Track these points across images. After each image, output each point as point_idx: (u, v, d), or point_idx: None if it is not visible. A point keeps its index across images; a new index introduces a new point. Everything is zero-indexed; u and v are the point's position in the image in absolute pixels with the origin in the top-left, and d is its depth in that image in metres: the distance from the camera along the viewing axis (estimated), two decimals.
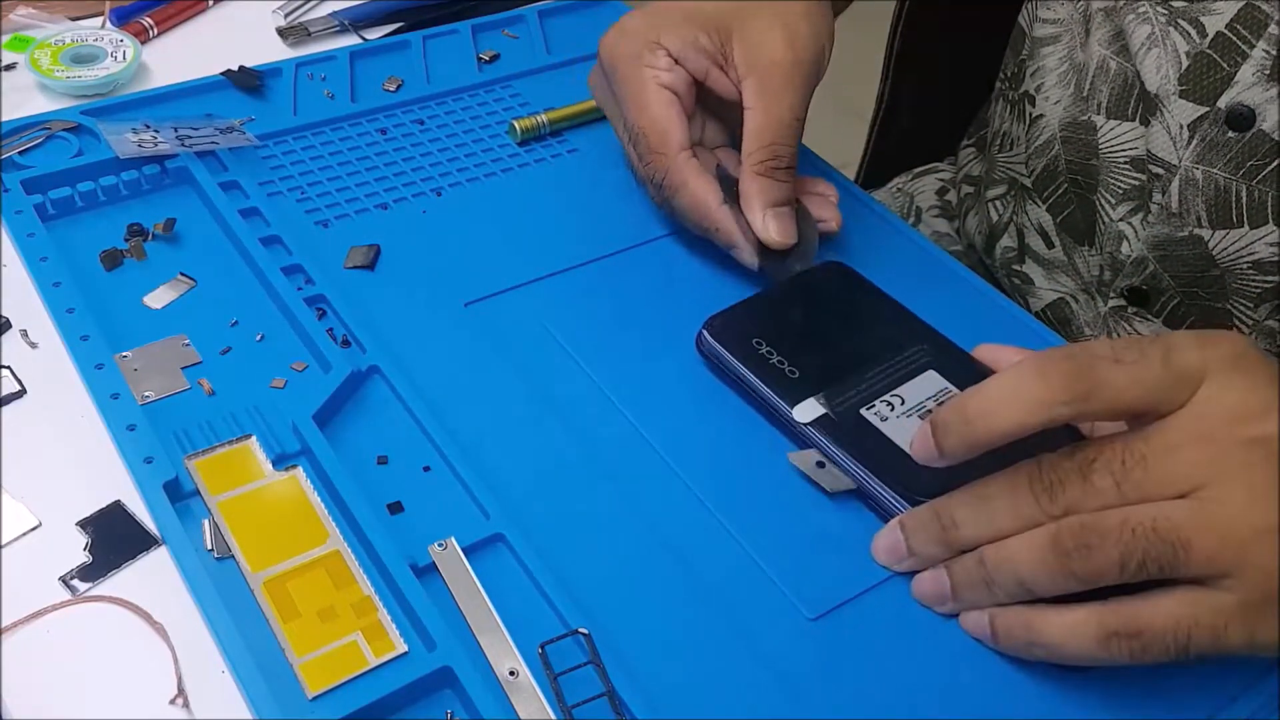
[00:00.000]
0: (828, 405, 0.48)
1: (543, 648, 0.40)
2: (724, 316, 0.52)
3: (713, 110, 0.59)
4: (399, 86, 0.67)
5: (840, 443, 0.47)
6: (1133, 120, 0.61)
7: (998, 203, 0.72)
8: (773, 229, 0.54)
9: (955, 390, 0.50)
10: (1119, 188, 0.62)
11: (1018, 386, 0.39)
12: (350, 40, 0.73)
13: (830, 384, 0.49)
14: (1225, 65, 0.56)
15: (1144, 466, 0.39)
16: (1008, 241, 0.72)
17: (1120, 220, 0.63)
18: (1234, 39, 0.56)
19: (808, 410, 0.48)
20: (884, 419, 0.48)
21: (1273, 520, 0.38)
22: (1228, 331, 0.44)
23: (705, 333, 0.51)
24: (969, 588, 0.42)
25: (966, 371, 0.50)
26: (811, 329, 0.53)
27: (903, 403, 0.49)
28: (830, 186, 0.59)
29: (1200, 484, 0.38)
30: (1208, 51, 0.56)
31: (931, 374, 0.50)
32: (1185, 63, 0.57)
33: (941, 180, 0.83)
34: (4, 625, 0.41)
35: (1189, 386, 0.39)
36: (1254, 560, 0.38)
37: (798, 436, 0.48)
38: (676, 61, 0.56)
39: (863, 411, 0.48)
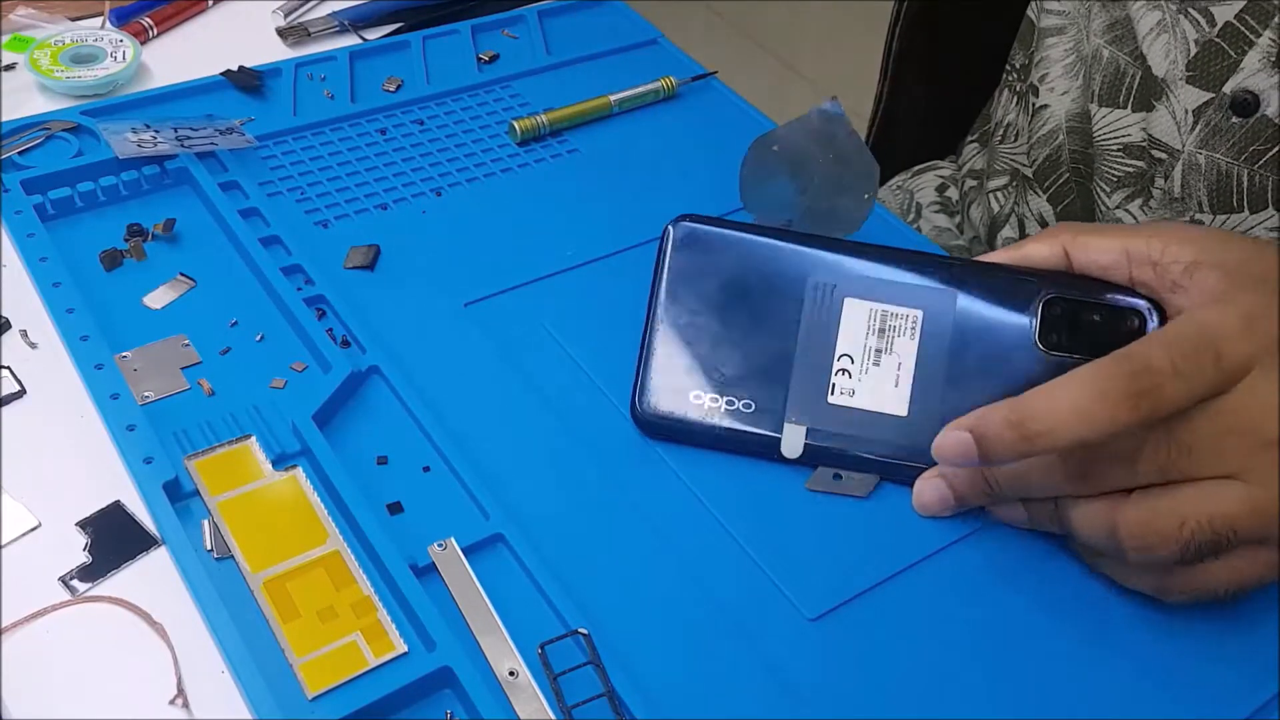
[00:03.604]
0: (804, 420, 0.47)
1: (542, 648, 0.40)
2: (644, 386, 0.48)
3: None
4: (399, 87, 0.67)
5: (838, 450, 0.47)
6: (1124, 108, 0.61)
7: (999, 194, 0.73)
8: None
9: (884, 307, 0.47)
10: (1112, 175, 0.63)
11: (1077, 406, 0.39)
12: (350, 40, 0.73)
13: (787, 393, 0.47)
14: (1232, 53, 0.57)
15: (1189, 456, 0.40)
16: (1009, 232, 0.72)
17: (1116, 208, 0.63)
18: (1242, 28, 0.56)
19: (794, 443, 0.47)
20: (853, 392, 0.47)
21: None
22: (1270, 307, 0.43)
23: (641, 409, 0.47)
24: (1042, 525, 0.46)
25: (872, 272, 0.47)
26: (724, 343, 0.48)
27: (853, 361, 0.46)
28: None
29: (1243, 468, 0.40)
30: (1216, 40, 0.57)
31: (849, 301, 0.47)
32: (1194, 50, 0.58)
33: (941, 177, 0.83)
34: (4, 625, 0.41)
35: (1237, 378, 0.40)
36: None
37: (794, 462, 0.47)
38: None
39: (831, 400, 0.47)
